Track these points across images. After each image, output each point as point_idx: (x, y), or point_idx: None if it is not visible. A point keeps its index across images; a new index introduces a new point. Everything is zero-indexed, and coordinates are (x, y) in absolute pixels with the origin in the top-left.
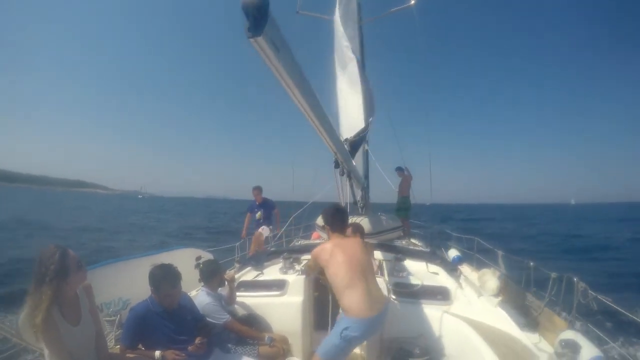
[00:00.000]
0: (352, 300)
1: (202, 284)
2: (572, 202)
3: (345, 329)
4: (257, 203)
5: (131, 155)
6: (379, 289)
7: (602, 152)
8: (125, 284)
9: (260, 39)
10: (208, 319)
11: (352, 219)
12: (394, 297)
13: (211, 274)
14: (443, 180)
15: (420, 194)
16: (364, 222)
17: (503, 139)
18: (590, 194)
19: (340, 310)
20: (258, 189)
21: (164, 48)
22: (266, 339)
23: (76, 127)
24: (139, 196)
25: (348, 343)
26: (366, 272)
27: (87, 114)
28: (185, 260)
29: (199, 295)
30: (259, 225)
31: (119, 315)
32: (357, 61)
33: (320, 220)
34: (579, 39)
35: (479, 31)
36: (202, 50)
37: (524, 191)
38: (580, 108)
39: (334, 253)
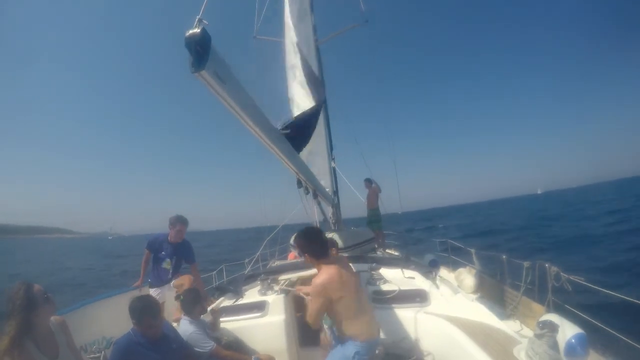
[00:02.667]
0: (362, 327)
1: (183, 314)
2: (539, 191)
3: (357, 353)
4: (170, 241)
5: (98, 195)
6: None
7: (563, 137)
8: (106, 322)
9: (204, 72)
10: (194, 348)
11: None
12: (373, 304)
13: (192, 303)
14: (412, 188)
15: (391, 204)
16: (337, 237)
17: (466, 140)
18: (556, 180)
19: (340, 338)
20: (182, 223)
21: (128, 81)
22: (253, 359)
23: (35, 169)
24: (109, 237)
25: None
26: (364, 296)
27: (50, 155)
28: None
29: (181, 325)
30: (164, 277)
31: (102, 352)
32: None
33: (294, 239)
34: (524, 32)
35: (430, 35)
36: (161, 83)
37: (491, 187)
38: (530, 101)
39: (344, 279)
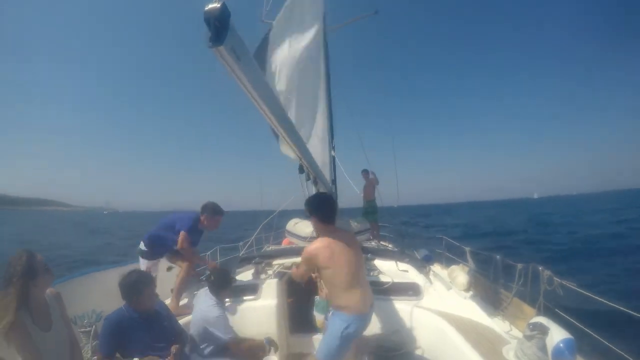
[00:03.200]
0: (352, 298)
1: (205, 290)
2: (535, 195)
3: (346, 327)
4: (201, 228)
5: (94, 170)
6: (369, 285)
7: (563, 145)
8: (97, 296)
9: (221, 48)
10: (212, 329)
11: None
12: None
13: (222, 286)
14: (410, 183)
15: (388, 197)
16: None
17: (469, 139)
18: (552, 187)
19: (332, 310)
20: (222, 214)
21: (124, 56)
22: (265, 341)
23: (34, 142)
24: (104, 212)
25: (348, 341)
26: (362, 270)
27: (48, 129)
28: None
29: (204, 302)
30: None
31: (94, 326)
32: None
33: (290, 226)
34: (528, 39)
35: (440, 33)
36: (164, 59)
37: (490, 189)
38: (537, 108)
39: (335, 252)
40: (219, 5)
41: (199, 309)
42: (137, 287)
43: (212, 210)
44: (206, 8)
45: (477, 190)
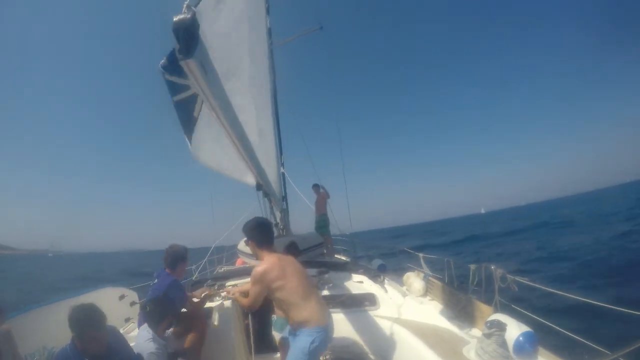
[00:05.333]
0: (311, 311)
1: (144, 324)
2: (482, 210)
3: (312, 342)
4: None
5: (36, 211)
6: (321, 296)
7: (503, 159)
8: (48, 331)
9: (191, 61)
10: None
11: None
12: None
13: (159, 317)
14: (360, 209)
15: (340, 224)
16: (297, 239)
17: (411, 161)
18: (498, 201)
19: (290, 328)
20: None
21: (59, 86)
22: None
23: None
24: (49, 254)
25: (316, 357)
26: (311, 282)
27: None
28: (108, 300)
29: (140, 338)
30: None
31: None
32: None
33: (242, 246)
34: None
35: (382, 47)
36: (95, 91)
37: (438, 207)
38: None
39: (284, 267)
40: (189, 15)
41: (137, 345)
42: (80, 328)
43: (183, 256)
44: (175, 18)
45: (422, 212)
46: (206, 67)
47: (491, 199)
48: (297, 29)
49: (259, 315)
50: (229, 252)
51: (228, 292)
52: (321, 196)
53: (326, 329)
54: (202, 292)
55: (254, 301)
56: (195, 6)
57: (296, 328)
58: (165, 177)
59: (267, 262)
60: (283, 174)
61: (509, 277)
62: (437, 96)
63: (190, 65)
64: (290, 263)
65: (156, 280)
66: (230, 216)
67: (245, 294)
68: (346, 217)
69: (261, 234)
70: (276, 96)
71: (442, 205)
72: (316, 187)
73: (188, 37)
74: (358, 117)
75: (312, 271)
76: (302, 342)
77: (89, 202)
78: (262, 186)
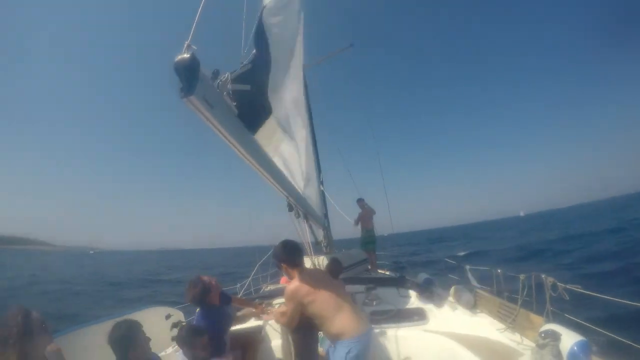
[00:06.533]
0: (344, 322)
1: (180, 350)
2: (521, 213)
3: (348, 352)
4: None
5: (78, 206)
6: (358, 307)
7: (543, 162)
8: (94, 351)
9: (192, 97)
10: None
11: (317, 259)
12: (372, 325)
13: (193, 344)
14: (403, 211)
15: (381, 227)
16: (340, 257)
17: (448, 163)
18: (537, 203)
19: (329, 342)
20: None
21: (114, 86)
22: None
23: (11, 177)
24: (90, 252)
25: None
26: (345, 294)
27: (25, 162)
28: (154, 320)
29: None
30: None
31: None
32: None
33: None
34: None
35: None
36: (147, 93)
37: (476, 210)
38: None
39: (315, 283)
40: (188, 55)
41: None
42: (128, 340)
43: (202, 288)
44: (176, 59)
45: (462, 212)
46: (211, 102)
47: (529, 202)
48: (329, 48)
49: (304, 330)
50: (272, 271)
51: (269, 315)
52: (366, 211)
53: (363, 338)
54: (250, 310)
55: (290, 319)
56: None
57: (333, 341)
58: (204, 179)
59: (297, 281)
60: (322, 191)
61: (560, 285)
62: (474, 95)
63: (192, 102)
64: (322, 278)
65: (199, 316)
66: (271, 231)
67: (284, 313)
68: (386, 218)
69: (289, 255)
70: (311, 114)
71: (477, 207)
72: (361, 201)
73: (189, 75)
74: (390, 115)
75: (360, 287)
76: (338, 353)
77: (128, 200)
78: (294, 207)
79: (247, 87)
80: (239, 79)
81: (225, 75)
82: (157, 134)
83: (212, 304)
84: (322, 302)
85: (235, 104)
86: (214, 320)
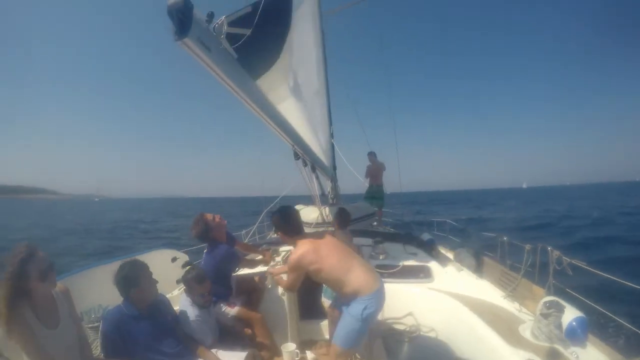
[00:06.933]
0: (358, 281)
1: (185, 292)
2: (524, 185)
3: (365, 308)
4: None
5: (84, 155)
6: (369, 263)
7: (552, 137)
8: (102, 290)
9: (187, 40)
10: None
11: (325, 209)
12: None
13: (195, 282)
14: (409, 170)
15: (388, 184)
16: (348, 208)
17: (462, 127)
18: (539, 177)
19: (345, 301)
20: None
21: (115, 39)
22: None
23: (16, 128)
24: (95, 199)
25: (368, 322)
26: (352, 252)
27: (33, 113)
28: (161, 262)
29: (181, 303)
30: None
31: (100, 322)
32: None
33: None
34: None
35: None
36: (148, 42)
37: (480, 176)
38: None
39: (319, 247)
40: None
41: (180, 308)
42: (132, 279)
43: (204, 225)
44: (169, 2)
45: (464, 179)
46: (208, 45)
47: (532, 174)
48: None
49: (310, 280)
50: None
51: (272, 273)
52: (376, 166)
53: (377, 294)
54: (256, 256)
55: (291, 284)
56: None
57: (349, 300)
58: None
59: (301, 248)
60: (332, 144)
61: (565, 259)
62: (486, 61)
63: (187, 44)
64: (325, 242)
65: (207, 252)
66: (281, 182)
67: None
68: (395, 176)
69: (288, 224)
70: (326, 64)
71: (482, 173)
72: (371, 155)
73: (183, 18)
74: (402, 74)
75: (367, 240)
76: (355, 310)
77: (138, 147)
78: (300, 156)
79: (248, 31)
80: (237, 22)
81: (221, 19)
82: (165, 77)
83: (217, 240)
84: (330, 268)
85: (234, 47)
86: (220, 258)
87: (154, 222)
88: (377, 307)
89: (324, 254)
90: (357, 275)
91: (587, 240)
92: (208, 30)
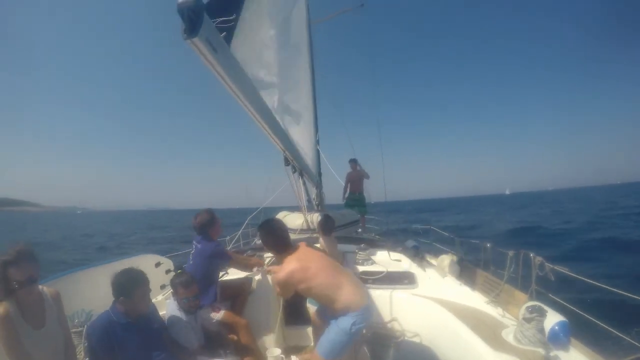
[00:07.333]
0: (349, 297)
1: (173, 296)
2: (507, 192)
3: (354, 324)
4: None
5: (66, 167)
6: (357, 278)
7: (532, 144)
8: (86, 295)
9: (196, 39)
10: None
11: (310, 216)
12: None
13: (176, 287)
14: (393, 179)
15: (373, 193)
16: (333, 215)
17: (440, 136)
18: (522, 183)
19: (334, 315)
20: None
21: (101, 48)
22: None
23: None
24: (78, 211)
25: (356, 336)
26: (341, 267)
27: (15, 123)
28: (145, 267)
29: (168, 308)
30: None
31: (85, 326)
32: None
33: (280, 218)
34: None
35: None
36: (136, 51)
37: (463, 184)
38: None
39: (307, 264)
40: None
41: (168, 313)
42: (131, 288)
43: (210, 220)
44: (179, 0)
45: (447, 186)
46: (215, 45)
47: (515, 181)
48: (336, 6)
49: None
50: None
51: (269, 271)
52: (357, 173)
53: (367, 310)
54: (249, 260)
55: (283, 294)
56: None
57: (338, 315)
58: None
59: (288, 267)
60: (318, 150)
61: (548, 265)
62: (467, 67)
63: (196, 44)
64: (312, 258)
65: (199, 245)
66: (267, 193)
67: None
68: (380, 186)
69: (275, 238)
70: (314, 71)
71: (465, 182)
72: (353, 162)
73: (194, 16)
74: (386, 82)
75: (352, 247)
76: (343, 323)
77: (115, 161)
78: (290, 162)
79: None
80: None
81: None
82: (150, 87)
83: (211, 237)
84: (319, 286)
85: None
86: (210, 252)
87: (132, 234)
88: (365, 323)
89: (313, 272)
90: (347, 292)
91: (570, 244)
92: (216, 30)
